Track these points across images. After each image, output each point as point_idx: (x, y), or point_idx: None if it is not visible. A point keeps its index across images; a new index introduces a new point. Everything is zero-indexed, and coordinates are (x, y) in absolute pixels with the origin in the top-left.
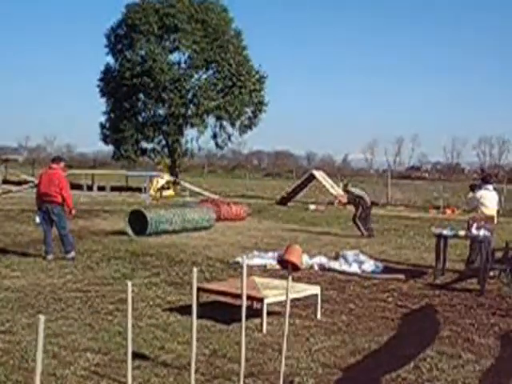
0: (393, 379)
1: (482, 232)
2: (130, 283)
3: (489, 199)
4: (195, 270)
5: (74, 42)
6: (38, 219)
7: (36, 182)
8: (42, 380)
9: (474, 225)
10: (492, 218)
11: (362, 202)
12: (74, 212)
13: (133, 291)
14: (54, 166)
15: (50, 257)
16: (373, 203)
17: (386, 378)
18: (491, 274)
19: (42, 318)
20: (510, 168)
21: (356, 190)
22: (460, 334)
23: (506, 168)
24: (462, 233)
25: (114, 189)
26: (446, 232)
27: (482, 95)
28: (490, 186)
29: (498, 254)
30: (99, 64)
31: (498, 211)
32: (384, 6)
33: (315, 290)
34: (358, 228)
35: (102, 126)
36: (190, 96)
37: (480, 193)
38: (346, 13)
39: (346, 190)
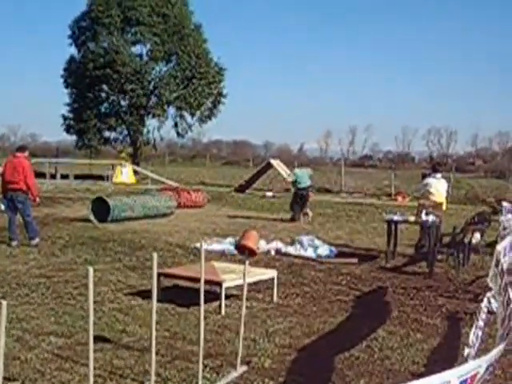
0: (346, 358)
1: (431, 218)
2: (91, 269)
3: (437, 187)
4: (155, 255)
5: (38, 31)
6: (2, 207)
7: (0, 170)
8: (5, 363)
9: (424, 211)
10: (440, 204)
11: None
12: (38, 200)
13: (95, 276)
14: (19, 154)
15: (14, 243)
16: (309, 187)
17: (340, 357)
18: (439, 257)
19: (3, 302)
20: (458, 157)
21: (298, 172)
22: (409, 314)
23: (454, 157)
24: (411, 218)
25: (77, 177)
26: (396, 218)
27: (431, 86)
28: (439, 175)
29: (446, 239)
30: (64, 54)
31: (447, 198)
32: None
33: (272, 273)
34: (292, 210)
35: (65, 118)
36: (151, 87)
37: (429, 181)
38: (302, 4)
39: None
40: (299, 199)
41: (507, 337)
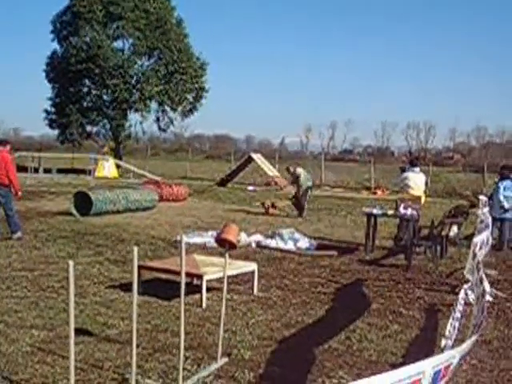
0: (325, 350)
1: (409, 211)
2: (71, 263)
3: (416, 181)
4: (136, 248)
5: (21, 25)
6: None
7: None
8: None
9: (402, 204)
10: (419, 198)
11: (299, 182)
12: (20, 194)
13: (77, 270)
14: (1, 148)
15: None
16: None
17: (319, 349)
18: (417, 250)
19: None
20: (436, 152)
21: (297, 170)
22: (388, 306)
23: (433, 151)
24: (390, 212)
25: (60, 171)
26: (375, 211)
27: (410, 81)
28: (417, 169)
29: (424, 232)
30: (46, 49)
31: (425, 192)
32: None
33: (252, 266)
34: (296, 207)
35: (47, 112)
36: (133, 82)
37: (407, 175)
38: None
39: (288, 171)
40: (308, 196)
41: (479, 328)
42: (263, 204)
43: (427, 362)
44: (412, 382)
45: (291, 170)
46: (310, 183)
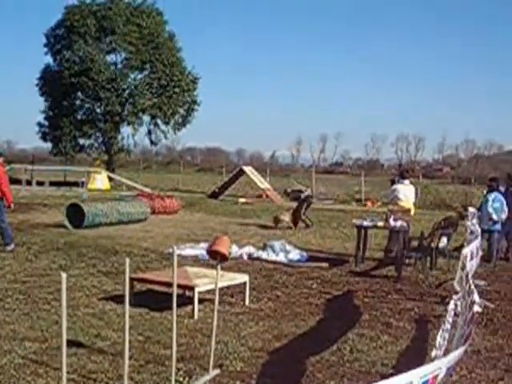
0: (317, 361)
1: (399, 223)
2: (64, 275)
3: (405, 193)
4: (127, 260)
5: (14, 39)
6: None
7: None
8: None
9: (392, 216)
10: (408, 210)
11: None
12: (12, 206)
13: (70, 281)
14: None
15: None
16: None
17: (311, 360)
18: (407, 261)
19: None
20: (426, 164)
21: (297, 187)
22: (378, 317)
23: (422, 163)
24: (380, 223)
25: (52, 183)
26: (366, 223)
27: (399, 94)
28: (407, 181)
29: (414, 243)
30: (39, 62)
31: (415, 204)
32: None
33: (244, 278)
34: (304, 221)
35: (40, 125)
36: (126, 95)
37: (397, 187)
38: (275, 12)
39: (287, 194)
40: (306, 206)
41: (467, 339)
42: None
43: (415, 372)
44: None
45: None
46: (307, 192)
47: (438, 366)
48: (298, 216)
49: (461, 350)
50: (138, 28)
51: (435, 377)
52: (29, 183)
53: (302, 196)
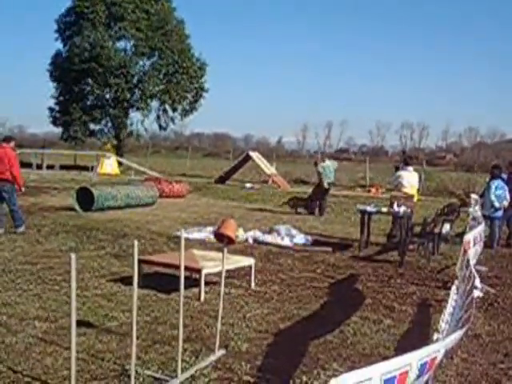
0: (320, 343)
1: (403, 209)
2: (73, 256)
3: (409, 179)
4: (136, 242)
5: (25, 25)
6: None
7: None
8: None
9: (396, 202)
10: (412, 196)
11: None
12: (23, 189)
13: (79, 263)
14: (5, 145)
15: (0, 231)
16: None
17: (314, 342)
18: (410, 247)
19: None
20: (429, 151)
21: (319, 166)
22: (381, 301)
23: (426, 151)
24: (384, 209)
25: (62, 167)
26: (369, 208)
27: (404, 83)
28: (411, 168)
29: (417, 229)
30: (50, 49)
31: (418, 190)
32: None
33: (249, 261)
34: (306, 206)
35: (51, 110)
36: (135, 81)
37: (401, 173)
38: (284, 5)
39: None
40: (322, 193)
41: (467, 322)
42: (288, 203)
43: (414, 354)
44: (400, 374)
45: (316, 166)
46: (330, 179)
47: (436, 348)
48: (313, 202)
49: (459, 333)
50: (146, 15)
51: (434, 359)
52: (39, 167)
53: (326, 185)
